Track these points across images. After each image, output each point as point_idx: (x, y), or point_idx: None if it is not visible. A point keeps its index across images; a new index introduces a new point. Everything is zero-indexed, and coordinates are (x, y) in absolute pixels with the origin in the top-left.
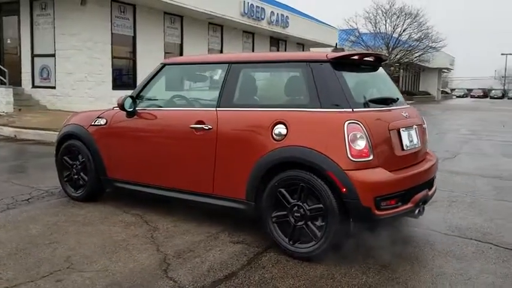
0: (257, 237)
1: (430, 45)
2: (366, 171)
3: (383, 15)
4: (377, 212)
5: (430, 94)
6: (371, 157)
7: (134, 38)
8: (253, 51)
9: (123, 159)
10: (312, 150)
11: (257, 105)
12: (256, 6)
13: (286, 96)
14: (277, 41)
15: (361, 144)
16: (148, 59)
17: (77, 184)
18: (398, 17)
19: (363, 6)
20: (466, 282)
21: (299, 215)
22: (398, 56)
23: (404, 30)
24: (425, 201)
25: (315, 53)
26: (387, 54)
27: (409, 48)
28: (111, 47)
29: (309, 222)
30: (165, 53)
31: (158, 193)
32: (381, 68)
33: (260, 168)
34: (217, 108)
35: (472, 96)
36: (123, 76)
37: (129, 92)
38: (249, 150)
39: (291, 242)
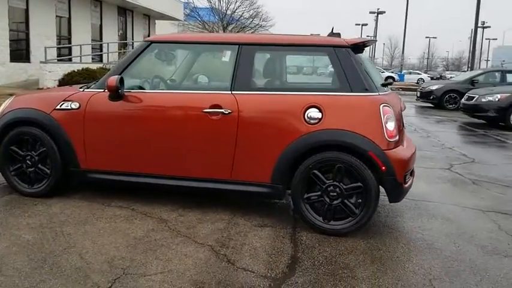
0: (274, 219)
1: (260, 23)
2: (397, 150)
3: None
4: (405, 186)
5: None
6: (397, 137)
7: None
8: (101, 20)
9: (107, 148)
10: (352, 132)
11: (281, 89)
12: None
13: (315, 81)
14: (124, 11)
15: (392, 125)
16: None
17: (33, 178)
18: None
19: None
20: None
21: (335, 194)
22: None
23: (237, 8)
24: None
25: (334, 38)
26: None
27: (242, 26)
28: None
29: (345, 200)
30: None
31: (155, 182)
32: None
33: (293, 151)
34: (233, 92)
35: None
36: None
37: (28, 66)
38: (278, 134)
39: (325, 221)
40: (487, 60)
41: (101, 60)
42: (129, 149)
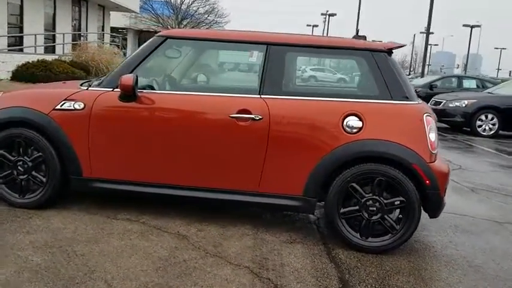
0: (301, 234)
1: (215, 20)
2: (438, 163)
3: None
4: (445, 200)
5: None
6: (437, 149)
7: None
8: (55, 9)
9: (116, 155)
10: (396, 143)
11: (315, 94)
12: None
13: (353, 86)
14: (78, 1)
15: (434, 136)
16: None
17: (25, 187)
18: None
19: None
20: None
21: (374, 209)
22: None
23: (192, 3)
24: None
25: (370, 42)
26: (178, 26)
27: (198, 21)
28: None
29: (385, 216)
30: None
31: (175, 194)
32: None
33: (331, 162)
34: (262, 96)
35: None
36: None
37: None
38: (314, 143)
39: (363, 237)
40: (429, 65)
41: (53, 52)
42: (143, 156)
